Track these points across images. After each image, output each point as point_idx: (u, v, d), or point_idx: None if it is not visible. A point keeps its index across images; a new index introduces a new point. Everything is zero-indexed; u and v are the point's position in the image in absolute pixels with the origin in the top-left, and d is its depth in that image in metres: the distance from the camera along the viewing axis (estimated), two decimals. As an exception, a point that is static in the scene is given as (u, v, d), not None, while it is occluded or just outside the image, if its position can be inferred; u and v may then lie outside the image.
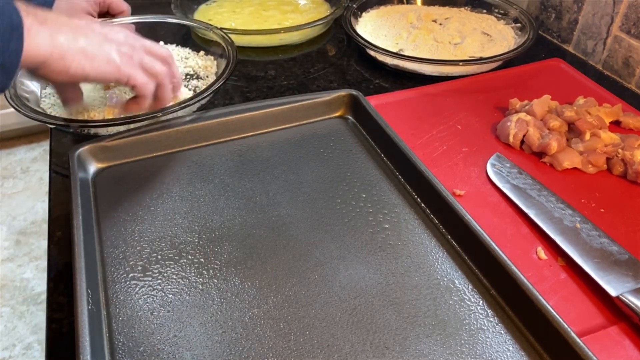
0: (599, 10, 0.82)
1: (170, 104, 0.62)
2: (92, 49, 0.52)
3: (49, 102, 0.68)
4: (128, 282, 0.49)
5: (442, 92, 0.76)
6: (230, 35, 0.77)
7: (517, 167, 0.62)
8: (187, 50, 0.80)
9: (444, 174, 0.61)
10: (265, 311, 0.46)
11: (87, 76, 0.52)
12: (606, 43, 0.83)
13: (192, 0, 0.96)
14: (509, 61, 0.81)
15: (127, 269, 0.50)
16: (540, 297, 0.43)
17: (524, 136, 0.65)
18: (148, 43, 0.59)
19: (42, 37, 0.48)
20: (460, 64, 0.79)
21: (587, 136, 0.64)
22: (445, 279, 0.49)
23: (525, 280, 0.45)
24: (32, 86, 0.69)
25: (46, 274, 0.52)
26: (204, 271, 0.50)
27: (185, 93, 0.69)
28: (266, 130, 0.67)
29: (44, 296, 1.57)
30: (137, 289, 0.48)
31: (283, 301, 0.47)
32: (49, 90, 0.70)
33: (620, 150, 0.61)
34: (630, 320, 0.46)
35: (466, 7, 0.96)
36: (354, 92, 0.68)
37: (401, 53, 0.82)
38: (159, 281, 0.49)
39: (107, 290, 0.48)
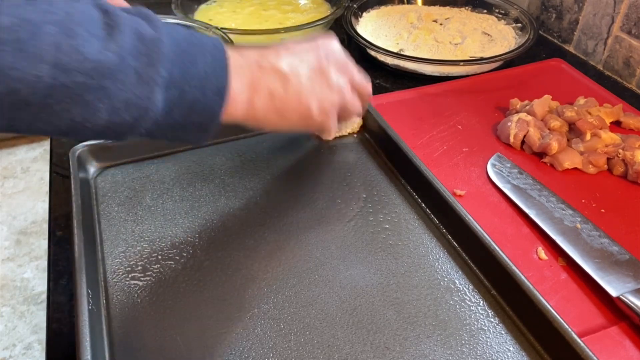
0: (600, 10, 0.82)
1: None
2: (288, 106, 0.47)
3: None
4: (128, 282, 0.49)
5: (443, 92, 0.76)
6: (230, 35, 0.77)
7: (517, 167, 0.62)
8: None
9: (444, 174, 0.61)
10: (265, 311, 0.46)
11: (279, 131, 0.51)
12: (607, 43, 0.83)
13: (192, 0, 0.96)
14: (510, 61, 0.81)
15: (127, 269, 0.50)
16: (541, 298, 0.43)
17: (524, 136, 0.65)
18: (357, 78, 0.53)
19: (241, 101, 0.44)
20: (461, 64, 0.79)
21: (588, 136, 0.64)
22: (446, 279, 0.49)
23: (525, 281, 0.45)
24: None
25: (46, 273, 0.52)
26: (204, 271, 0.50)
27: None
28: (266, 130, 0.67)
29: (44, 296, 1.57)
30: (137, 289, 0.48)
31: (283, 301, 0.47)
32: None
33: (620, 151, 0.61)
34: (630, 320, 0.46)
35: (467, 7, 0.96)
36: (354, 92, 0.68)
37: (402, 53, 0.82)
38: (159, 281, 0.49)
39: (108, 290, 0.48)
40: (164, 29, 0.38)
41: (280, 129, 0.49)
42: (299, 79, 0.46)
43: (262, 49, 0.47)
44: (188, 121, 0.41)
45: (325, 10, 0.95)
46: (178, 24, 0.81)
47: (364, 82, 0.54)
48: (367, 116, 0.66)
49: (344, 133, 0.66)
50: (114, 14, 0.36)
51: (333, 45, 0.51)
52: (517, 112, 0.68)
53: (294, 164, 0.62)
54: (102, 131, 0.37)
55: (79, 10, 0.34)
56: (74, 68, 0.33)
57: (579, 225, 0.54)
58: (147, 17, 0.38)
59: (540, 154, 0.64)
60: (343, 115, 0.53)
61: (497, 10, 0.93)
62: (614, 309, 0.47)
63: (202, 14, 0.94)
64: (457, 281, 0.49)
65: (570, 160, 0.62)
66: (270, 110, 0.46)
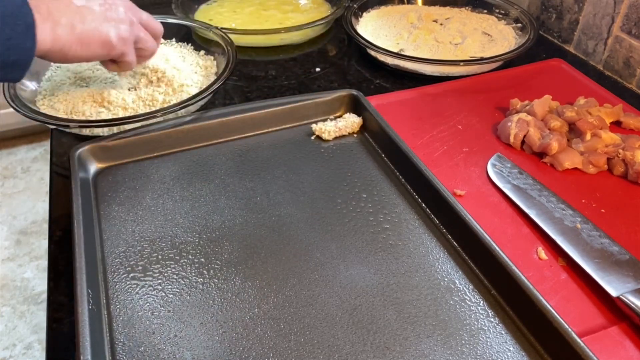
0: (600, 10, 0.82)
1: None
2: (89, 35, 0.55)
3: (47, 103, 0.68)
4: (129, 282, 0.49)
5: (443, 92, 0.76)
6: (230, 35, 0.77)
7: (517, 168, 0.62)
8: (188, 48, 0.80)
9: (444, 174, 0.61)
10: (265, 311, 0.46)
11: (83, 60, 0.58)
12: (607, 43, 0.83)
13: (192, 0, 0.96)
14: (510, 61, 0.81)
15: (127, 269, 0.50)
16: (541, 298, 0.43)
17: (524, 136, 0.65)
18: (145, 16, 0.63)
19: (45, 32, 0.51)
20: (461, 64, 0.79)
21: (588, 136, 0.64)
22: (446, 279, 0.49)
23: (525, 281, 0.45)
24: (31, 86, 0.69)
25: (47, 273, 0.52)
26: (204, 271, 0.50)
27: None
28: (266, 130, 0.67)
29: (44, 296, 1.57)
30: (138, 288, 0.48)
31: (283, 301, 0.47)
32: (48, 90, 0.70)
33: (621, 151, 0.61)
34: (630, 320, 0.46)
35: (467, 7, 0.96)
36: (354, 92, 0.68)
37: (402, 53, 0.82)
38: (160, 281, 0.49)
39: (108, 290, 0.48)
40: None
41: (86, 59, 0.57)
42: (93, 12, 0.55)
43: None
44: (8, 59, 0.48)
45: (325, 10, 0.95)
46: (178, 24, 0.81)
47: (153, 20, 0.64)
48: (367, 116, 0.66)
49: (344, 133, 0.66)
50: None
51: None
52: (517, 112, 0.68)
53: (294, 164, 0.62)
54: None
55: None
56: None
57: (579, 225, 0.54)
58: None
59: (541, 154, 0.64)
60: (141, 53, 0.63)
61: (497, 11, 0.93)
62: (614, 309, 0.47)
63: (202, 13, 0.94)
64: (457, 281, 0.49)
65: (570, 160, 0.62)
66: (74, 41, 0.53)
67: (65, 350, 0.45)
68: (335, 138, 0.66)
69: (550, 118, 0.65)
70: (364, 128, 0.67)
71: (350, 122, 0.66)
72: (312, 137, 0.66)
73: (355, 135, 0.66)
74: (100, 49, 0.56)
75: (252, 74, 0.82)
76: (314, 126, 0.66)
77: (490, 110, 0.73)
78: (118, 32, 0.57)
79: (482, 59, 0.80)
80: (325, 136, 0.65)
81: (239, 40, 0.83)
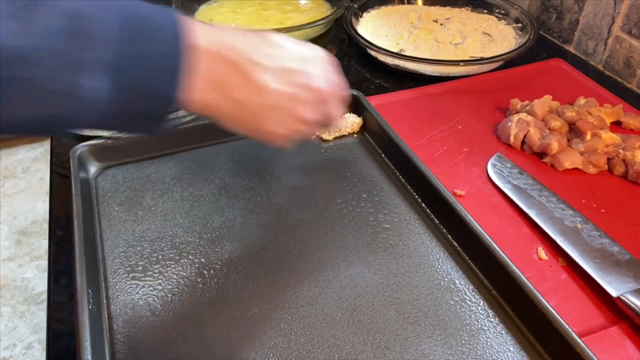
0: (600, 10, 0.82)
1: None
2: (249, 123, 0.41)
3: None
4: (129, 282, 0.49)
5: (443, 93, 0.76)
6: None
7: (517, 168, 0.62)
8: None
9: (444, 174, 0.61)
10: (265, 311, 0.46)
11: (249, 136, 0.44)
12: (607, 43, 0.83)
13: (193, 0, 0.96)
14: (510, 61, 0.81)
15: (127, 269, 0.50)
16: (541, 298, 0.43)
17: (524, 136, 0.65)
18: (337, 80, 0.45)
19: (201, 93, 0.37)
20: (461, 64, 0.79)
21: (588, 136, 0.64)
22: (446, 279, 0.49)
23: (526, 281, 0.45)
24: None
25: (47, 273, 0.52)
26: (204, 271, 0.50)
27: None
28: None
29: (44, 296, 1.56)
30: (138, 289, 0.48)
31: (284, 301, 0.47)
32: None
33: (621, 151, 0.61)
34: (631, 320, 0.46)
35: (467, 8, 0.96)
36: (354, 92, 0.68)
37: (402, 53, 0.82)
38: (160, 281, 0.49)
39: (108, 290, 0.48)
40: (110, 5, 0.33)
41: (232, 131, 0.43)
42: (270, 101, 0.40)
43: (246, 36, 0.40)
44: (139, 109, 0.35)
45: (326, 10, 0.95)
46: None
47: (343, 85, 0.47)
48: (367, 116, 0.66)
49: (344, 133, 0.66)
50: None
51: (321, 67, 0.44)
52: (518, 112, 0.68)
53: (294, 164, 0.62)
54: (28, 126, 0.33)
55: None
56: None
57: (579, 226, 0.54)
58: None
59: (541, 154, 0.64)
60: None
61: (497, 11, 0.93)
62: (614, 309, 0.47)
63: (203, 14, 0.94)
64: (457, 281, 0.49)
65: (570, 160, 0.62)
66: (229, 117, 0.40)
67: (65, 350, 0.45)
68: (335, 138, 0.66)
69: (550, 118, 0.65)
70: (364, 128, 0.67)
71: (350, 122, 0.66)
72: (312, 137, 0.66)
73: (355, 135, 0.66)
74: (253, 135, 0.43)
75: (252, 74, 0.81)
76: None
77: (490, 110, 0.73)
78: (282, 133, 0.43)
79: (482, 59, 0.79)
80: (325, 136, 0.65)
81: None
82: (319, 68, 0.43)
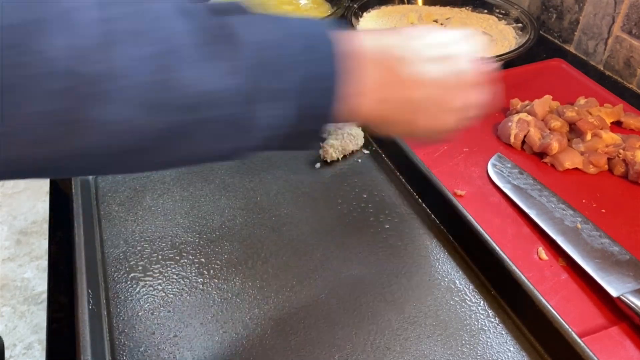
0: (600, 10, 0.82)
1: None
2: (420, 118, 0.39)
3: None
4: (129, 282, 0.49)
5: (443, 92, 0.76)
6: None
7: (518, 168, 0.62)
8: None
9: (445, 174, 0.61)
10: (266, 311, 0.46)
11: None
12: (607, 43, 0.82)
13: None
14: (510, 61, 0.81)
15: (127, 269, 0.50)
16: (541, 298, 0.43)
17: (525, 136, 0.65)
18: (484, 74, 0.42)
19: (367, 105, 0.36)
20: (461, 64, 0.78)
21: (588, 136, 0.63)
22: (446, 280, 0.49)
23: (526, 281, 0.45)
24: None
25: (47, 273, 0.52)
26: (204, 271, 0.50)
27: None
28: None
29: (44, 296, 1.56)
30: (138, 289, 0.48)
31: (284, 301, 0.47)
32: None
33: (621, 151, 0.61)
34: (631, 320, 0.46)
35: (467, 7, 0.95)
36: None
37: (402, 53, 0.82)
38: (160, 281, 0.49)
39: (108, 290, 0.48)
40: (279, 25, 0.32)
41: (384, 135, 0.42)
42: (420, 93, 0.38)
43: (403, 40, 0.38)
44: (304, 130, 0.34)
45: (326, 10, 0.95)
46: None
47: (487, 95, 0.43)
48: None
49: (347, 152, 0.63)
50: (221, 23, 0.29)
51: (465, 49, 0.41)
52: (518, 112, 0.68)
53: (294, 164, 0.62)
54: (213, 159, 0.33)
55: (175, 31, 0.28)
56: (183, 104, 0.28)
57: (579, 226, 0.54)
58: (243, 11, 0.31)
59: (541, 154, 0.64)
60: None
61: (497, 10, 0.93)
62: (615, 309, 0.47)
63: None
64: (457, 281, 0.49)
65: (570, 160, 0.62)
66: (383, 119, 0.38)
67: (66, 350, 0.45)
68: (344, 157, 0.63)
69: (550, 118, 0.65)
70: (364, 128, 0.67)
71: (354, 141, 0.63)
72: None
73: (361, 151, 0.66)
74: (405, 134, 0.43)
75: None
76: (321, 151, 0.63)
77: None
78: (455, 122, 0.41)
79: (482, 59, 0.79)
80: (331, 156, 0.62)
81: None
82: (463, 51, 0.41)
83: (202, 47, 0.28)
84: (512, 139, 0.65)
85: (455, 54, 0.40)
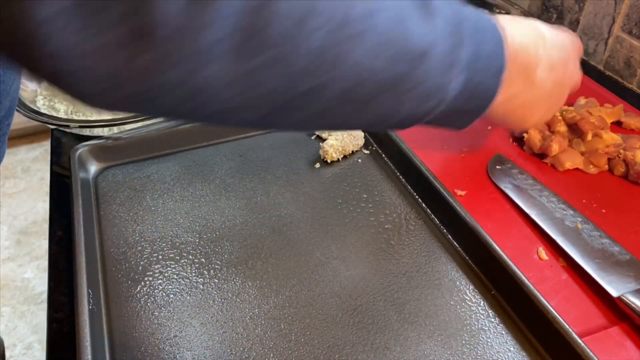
0: (601, 10, 0.82)
1: None
2: (534, 114, 0.42)
3: (47, 103, 0.68)
4: (129, 282, 0.49)
5: (443, 92, 0.76)
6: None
7: (518, 167, 0.62)
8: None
9: (445, 174, 0.61)
10: (266, 311, 0.46)
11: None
12: (607, 43, 0.82)
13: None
14: (510, 61, 0.81)
15: (127, 269, 0.50)
16: (542, 298, 0.43)
17: (525, 137, 0.65)
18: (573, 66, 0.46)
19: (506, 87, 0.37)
20: (462, 64, 0.78)
21: (589, 137, 0.63)
22: (446, 280, 0.49)
23: (526, 281, 0.45)
24: (32, 86, 0.69)
25: (47, 273, 0.52)
26: (204, 271, 0.50)
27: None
28: (267, 131, 0.67)
29: (44, 296, 1.56)
30: (138, 288, 0.48)
31: (284, 301, 0.47)
32: (48, 91, 0.70)
33: (621, 151, 0.61)
34: (631, 321, 0.46)
35: (467, 7, 0.95)
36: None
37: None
38: (160, 281, 0.49)
39: (108, 290, 0.48)
40: (455, 5, 0.34)
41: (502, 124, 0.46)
42: (542, 94, 0.41)
43: (535, 38, 0.41)
44: (466, 106, 0.36)
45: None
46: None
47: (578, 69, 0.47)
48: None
49: (347, 152, 0.63)
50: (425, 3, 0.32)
51: (572, 53, 0.45)
52: (518, 112, 0.68)
53: (294, 164, 0.62)
54: (394, 124, 0.34)
55: None
56: (401, 58, 0.30)
57: (579, 226, 0.54)
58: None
59: (541, 155, 0.64)
60: None
61: (497, 11, 0.93)
62: (615, 309, 0.47)
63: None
64: (457, 281, 0.49)
65: (571, 160, 0.62)
66: (500, 109, 0.40)
67: (65, 350, 0.45)
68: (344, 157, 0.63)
69: (550, 118, 0.65)
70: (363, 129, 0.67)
71: (354, 142, 0.63)
72: (312, 137, 0.66)
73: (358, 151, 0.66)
74: (513, 124, 0.45)
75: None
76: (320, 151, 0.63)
77: (490, 110, 0.73)
78: (541, 117, 0.44)
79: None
80: (331, 157, 0.62)
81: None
82: (571, 54, 0.44)
83: (420, 10, 0.31)
84: (512, 140, 0.65)
85: (569, 56, 0.44)
